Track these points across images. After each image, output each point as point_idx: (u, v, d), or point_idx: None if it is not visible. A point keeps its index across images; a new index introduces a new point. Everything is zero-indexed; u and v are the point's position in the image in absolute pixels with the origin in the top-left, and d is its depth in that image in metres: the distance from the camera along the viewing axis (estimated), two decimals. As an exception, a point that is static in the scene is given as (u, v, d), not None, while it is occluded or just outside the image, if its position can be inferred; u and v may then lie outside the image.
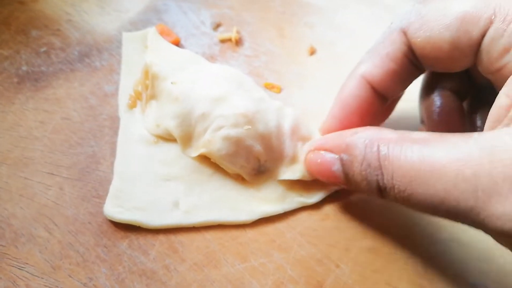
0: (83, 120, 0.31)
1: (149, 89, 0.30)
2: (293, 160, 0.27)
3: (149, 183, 0.28)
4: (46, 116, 0.31)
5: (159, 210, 0.27)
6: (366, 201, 0.28)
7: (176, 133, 0.27)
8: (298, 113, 0.29)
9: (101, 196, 0.27)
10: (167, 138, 0.29)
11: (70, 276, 0.25)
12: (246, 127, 0.26)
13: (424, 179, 0.19)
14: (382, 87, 0.25)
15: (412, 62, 0.25)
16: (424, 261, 0.26)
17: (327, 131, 0.27)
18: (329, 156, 0.24)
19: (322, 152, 0.24)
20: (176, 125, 0.27)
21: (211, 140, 0.27)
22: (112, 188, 0.27)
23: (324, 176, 0.25)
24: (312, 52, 0.35)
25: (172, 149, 0.29)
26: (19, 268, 0.25)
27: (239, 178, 0.28)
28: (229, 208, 0.27)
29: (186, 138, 0.28)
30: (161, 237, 0.26)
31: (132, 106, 0.30)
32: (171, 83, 0.28)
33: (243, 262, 0.25)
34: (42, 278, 0.25)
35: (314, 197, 0.27)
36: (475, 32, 0.22)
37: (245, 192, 0.28)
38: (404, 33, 0.24)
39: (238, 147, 0.26)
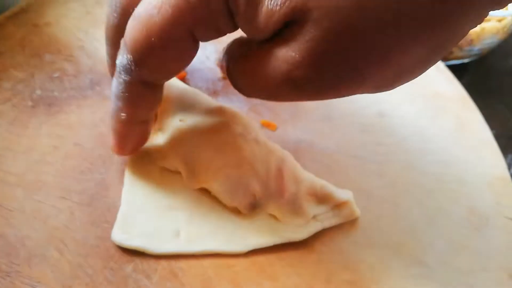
0: (94, 147, 0.33)
1: (156, 122, 0.32)
2: (290, 201, 0.30)
3: (153, 211, 0.30)
4: (59, 141, 0.33)
5: (162, 237, 0.30)
6: (348, 236, 0.32)
7: (181, 168, 0.30)
8: (292, 158, 0.32)
9: (109, 222, 0.30)
10: (173, 170, 0.32)
11: (79, 296, 0.27)
12: (247, 167, 0.29)
13: None
14: None
15: None
16: (396, 294, 0.30)
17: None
18: None
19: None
20: (181, 160, 0.30)
21: (212, 178, 0.30)
22: (120, 215, 0.30)
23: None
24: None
25: (176, 180, 0.31)
26: (32, 286, 0.27)
27: (235, 211, 0.31)
28: (225, 239, 0.30)
29: (190, 172, 0.30)
30: (163, 263, 0.29)
31: None
32: (180, 120, 0.31)
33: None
34: (53, 296, 0.27)
35: (302, 234, 0.30)
36: None
37: (240, 225, 0.30)
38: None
39: (237, 185, 0.30)
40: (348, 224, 0.32)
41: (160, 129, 0.32)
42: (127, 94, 0.26)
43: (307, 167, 0.33)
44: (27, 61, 0.37)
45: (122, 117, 0.27)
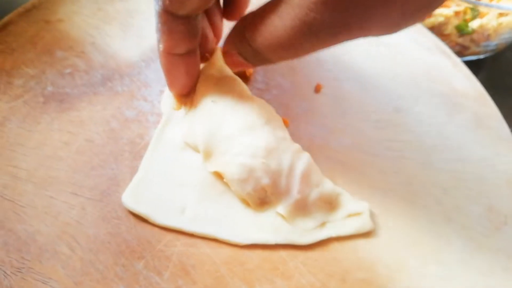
0: (105, 143, 0.33)
1: (193, 99, 0.33)
2: (300, 203, 0.30)
3: (166, 184, 0.31)
4: (70, 137, 0.33)
5: (167, 211, 0.30)
6: (363, 234, 0.31)
7: (201, 146, 0.30)
8: (310, 161, 0.31)
9: (120, 217, 0.30)
10: (194, 148, 0.32)
11: (90, 293, 0.27)
12: (262, 160, 0.29)
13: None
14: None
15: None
16: (413, 294, 0.29)
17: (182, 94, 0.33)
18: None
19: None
20: (203, 139, 0.30)
21: (228, 163, 0.29)
22: (134, 179, 0.31)
23: (238, 64, 0.30)
24: (319, 89, 0.38)
25: (195, 159, 0.31)
26: (43, 283, 0.27)
27: (245, 201, 0.31)
28: (228, 227, 0.30)
29: (208, 153, 0.30)
30: (175, 260, 0.29)
31: (177, 108, 0.33)
32: (212, 101, 0.31)
33: (249, 287, 0.28)
34: (64, 292, 0.27)
35: (307, 238, 0.30)
36: None
37: (246, 217, 0.30)
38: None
39: (249, 175, 0.29)
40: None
41: (193, 106, 0.32)
42: (159, 24, 0.28)
43: (320, 164, 0.32)
44: (38, 58, 0.37)
45: (160, 49, 0.30)
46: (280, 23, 0.25)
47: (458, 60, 0.42)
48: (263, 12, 0.26)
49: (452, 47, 0.47)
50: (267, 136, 0.30)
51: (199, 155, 0.31)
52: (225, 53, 0.31)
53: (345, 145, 0.35)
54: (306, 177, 0.30)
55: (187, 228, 0.29)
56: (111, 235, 0.29)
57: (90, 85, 0.36)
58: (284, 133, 0.31)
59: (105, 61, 0.38)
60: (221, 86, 0.32)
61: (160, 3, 0.27)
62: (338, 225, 0.30)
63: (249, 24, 0.27)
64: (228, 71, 0.33)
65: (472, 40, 0.48)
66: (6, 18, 0.39)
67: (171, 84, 0.32)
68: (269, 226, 0.30)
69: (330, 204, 0.31)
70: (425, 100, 0.39)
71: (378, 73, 0.39)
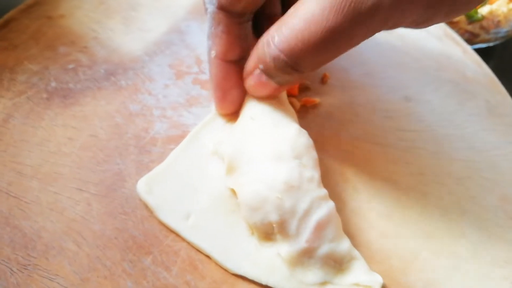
0: (109, 138, 0.33)
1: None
2: (306, 253, 0.27)
3: (182, 184, 0.30)
4: (74, 132, 0.33)
5: (173, 210, 0.29)
6: (376, 227, 0.30)
7: (226, 159, 0.29)
8: (332, 212, 0.28)
9: (127, 213, 0.29)
10: (221, 158, 0.30)
11: (97, 289, 0.27)
12: (277, 195, 0.27)
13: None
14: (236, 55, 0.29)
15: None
16: None
17: (230, 113, 0.31)
18: (256, 73, 0.28)
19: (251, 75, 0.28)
20: (229, 153, 0.29)
21: (244, 185, 0.28)
22: (155, 169, 0.30)
23: (261, 86, 0.28)
24: (326, 79, 0.37)
25: (219, 169, 0.30)
26: (50, 280, 0.27)
27: (251, 228, 0.29)
28: (223, 249, 0.28)
29: (231, 168, 0.29)
30: (183, 254, 0.28)
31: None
32: (250, 117, 0.30)
33: (260, 283, 0.27)
34: (71, 289, 0.26)
35: None
36: None
37: (247, 245, 0.28)
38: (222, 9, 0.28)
39: (260, 206, 0.27)
40: (375, 214, 0.31)
41: (232, 119, 0.31)
42: (213, 27, 0.28)
43: (330, 155, 0.32)
44: (41, 54, 0.37)
45: (212, 55, 0.29)
46: (311, 14, 0.23)
47: (468, 47, 0.41)
48: (288, 17, 0.25)
49: (461, 35, 0.47)
50: (291, 171, 0.27)
51: (222, 165, 0.30)
52: (247, 74, 0.29)
53: (355, 135, 0.34)
54: (321, 227, 0.27)
55: (185, 235, 0.28)
56: (118, 231, 0.29)
57: (94, 80, 0.36)
58: (313, 174, 0.28)
59: (108, 55, 0.37)
60: (266, 103, 0.30)
61: (214, 1, 0.27)
62: None
63: (275, 30, 0.25)
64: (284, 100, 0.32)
65: (482, 27, 0.47)
66: (8, 15, 0.39)
67: (221, 98, 0.31)
68: (266, 264, 0.28)
69: (340, 265, 0.27)
70: (436, 89, 0.38)
71: (386, 62, 0.38)
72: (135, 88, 0.35)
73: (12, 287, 0.27)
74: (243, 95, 0.31)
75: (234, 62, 0.30)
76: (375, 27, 0.24)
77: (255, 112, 0.30)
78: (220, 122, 0.32)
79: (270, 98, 0.30)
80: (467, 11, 0.25)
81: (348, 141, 0.34)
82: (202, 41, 0.38)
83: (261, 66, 0.27)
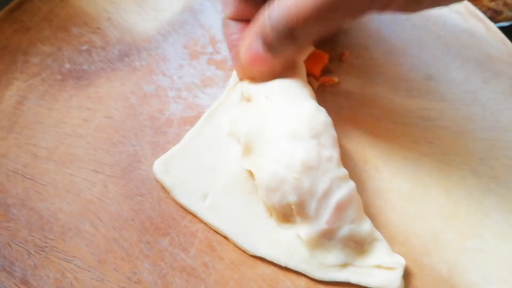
0: (124, 119, 0.32)
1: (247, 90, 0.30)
2: (326, 234, 0.26)
3: (199, 165, 0.29)
4: (89, 114, 0.32)
5: (190, 191, 0.28)
6: (397, 207, 0.29)
7: (242, 140, 0.28)
8: (353, 192, 0.27)
9: (143, 194, 0.29)
10: (237, 139, 0.30)
11: (115, 270, 0.26)
12: (295, 175, 0.26)
13: None
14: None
15: None
16: None
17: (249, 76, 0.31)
18: (254, 46, 0.28)
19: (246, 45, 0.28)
20: (245, 133, 0.28)
21: (262, 166, 0.27)
22: (172, 150, 0.30)
23: (258, 60, 0.28)
24: (345, 57, 0.36)
25: (235, 150, 0.29)
26: (67, 261, 0.27)
27: (269, 210, 0.28)
28: (241, 231, 0.27)
29: (247, 149, 0.28)
30: (200, 236, 0.28)
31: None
32: (265, 96, 0.29)
33: (279, 265, 0.27)
34: (89, 271, 0.26)
35: (320, 274, 0.27)
36: None
37: (265, 227, 0.28)
38: None
39: (278, 186, 0.26)
40: (397, 195, 0.30)
41: (248, 99, 0.30)
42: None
43: (348, 136, 0.31)
44: (54, 35, 0.36)
45: (223, 16, 0.31)
46: None
47: (491, 24, 0.40)
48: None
49: (483, 12, 0.45)
50: (309, 150, 0.26)
51: (238, 146, 0.29)
52: (246, 48, 0.28)
53: (375, 115, 0.33)
54: (341, 208, 0.26)
55: (202, 216, 0.28)
56: (135, 212, 0.28)
57: (108, 61, 0.35)
58: (332, 153, 0.27)
59: (122, 36, 0.36)
60: (283, 81, 0.29)
61: None
62: (362, 272, 0.27)
63: (275, 3, 0.26)
64: (301, 65, 0.31)
65: (506, 4, 0.45)
66: (20, -3, 0.39)
67: (237, 58, 0.30)
68: (285, 246, 0.27)
69: (361, 246, 0.27)
70: (458, 67, 0.36)
71: (407, 40, 0.37)
72: (149, 69, 0.35)
73: (30, 268, 0.27)
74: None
75: (246, 21, 0.30)
76: (362, 6, 0.24)
77: (270, 90, 0.29)
78: (235, 101, 0.31)
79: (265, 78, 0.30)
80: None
81: (368, 120, 0.33)
82: (217, 21, 0.37)
83: (260, 39, 0.27)
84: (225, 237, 0.28)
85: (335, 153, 0.27)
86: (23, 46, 0.36)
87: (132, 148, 0.31)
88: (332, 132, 0.28)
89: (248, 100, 0.30)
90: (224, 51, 0.36)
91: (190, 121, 0.32)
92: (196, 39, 0.36)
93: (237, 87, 0.32)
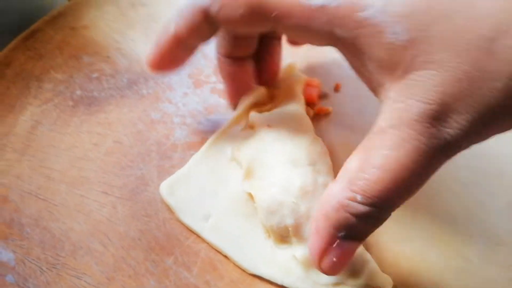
0: (132, 144, 0.34)
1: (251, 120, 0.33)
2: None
3: (201, 187, 0.31)
4: (99, 139, 0.34)
5: (193, 211, 0.31)
6: (385, 230, 0.31)
7: (244, 165, 0.30)
8: None
9: (150, 215, 0.31)
10: (239, 163, 0.32)
11: (123, 287, 0.28)
12: (293, 199, 0.28)
13: None
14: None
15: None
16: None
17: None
18: (335, 246, 0.24)
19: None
20: (247, 158, 0.30)
21: (262, 189, 0.29)
22: (177, 173, 0.32)
23: (345, 255, 0.24)
24: (338, 88, 0.38)
25: (237, 174, 0.32)
26: (77, 278, 0.28)
27: (267, 232, 0.30)
28: (242, 251, 0.29)
29: (248, 172, 0.30)
30: (203, 255, 0.30)
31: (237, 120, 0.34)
32: (268, 125, 0.31)
33: (276, 284, 0.29)
34: None
35: None
36: None
37: (263, 247, 0.30)
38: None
39: (276, 210, 0.28)
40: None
41: (251, 127, 0.33)
42: (183, 12, 0.28)
43: (342, 162, 0.33)
44: (66, 63, 0.39)
45: (170, 32, 0.29)
46: (395, 162, 0.22)
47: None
48: (363, 170, 0.23)
49: None
50: (306, 177, 0.29)
51: (240, 170, 0.32)
52: (321, 254, 0.24)
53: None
54: None
55: (205, 236, 0.30)
56: (141, 232, 0.30)
57: (117, 88, 0.37)
58: (327, 180, 0.30)
59: (130, 65, 0.39)
60: (284, 111, 0.32)
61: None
62: None
63: (350, 189, 0.23)
64: (300, 95, 0.34)
65: None
66: (34, 26, 0.41)
67: (158, 62, 0.31)
68: (282, 265, 0.29)
69: (352, 266, 0.28)
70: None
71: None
72: (156, 97, 0.37)
73: (43, 285, 0.28)
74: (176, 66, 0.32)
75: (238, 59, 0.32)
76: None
77: (273, 119, 0.31)
78: (238, 129, 0.34)
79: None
80: None
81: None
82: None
83: (341, 233, 0.23)
84: (226, 257, 0.30)
85: (329, 180, 0.30)
86: (36, 73, 0.38)
87: (140, 171, 0.33)
88: (327, 160, 0.31)
89: (252, 127, 0.33)
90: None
91: (194, 146, 0.34)
92: (200, 69, 0.39)
93: (242, 118, 0.34)
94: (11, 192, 0.32)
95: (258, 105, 0.34)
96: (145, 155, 0.34)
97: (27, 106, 0.36)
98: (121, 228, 0.30)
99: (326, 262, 0.24)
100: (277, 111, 0.32)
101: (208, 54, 0.40)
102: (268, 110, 0.33)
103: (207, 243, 0.30)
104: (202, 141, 0.34)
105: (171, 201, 0.31)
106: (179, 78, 0.38)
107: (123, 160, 0.33)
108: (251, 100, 0.34)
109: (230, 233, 0.30)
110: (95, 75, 0.38)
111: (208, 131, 0.35)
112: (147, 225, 0.30)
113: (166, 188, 0.31)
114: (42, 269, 0.29)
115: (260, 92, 0.34)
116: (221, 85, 0.38)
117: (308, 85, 0.37)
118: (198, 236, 0.30)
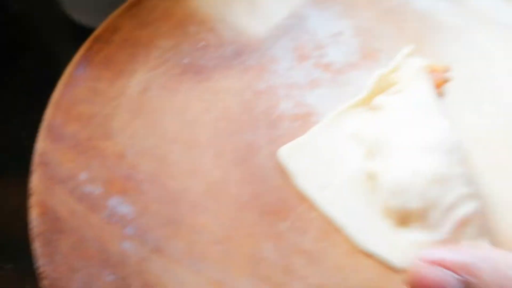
0: (241, 112, 0.35)
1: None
2: (443, 244, 0.27)
3: (319, 157, 0.32)
4: (208, 105, 0.35)
5: (310, 179, 0.31)
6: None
7: (367, 143, 0.31)
8: (477, 211, 0.28)
9: (262, 180, 0.31)
10: (361, 141, 0.32)
11: (240, 246, 0.29)
12: (424, 183, 0.27)
13: None
14: None
15: None
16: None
17: None
18: (448, 275, 0.22)
19: (439, 268, 0.22)
20: (372, 138, 0.31)
21: (386, 170, 0.29)
22: (297, 140, 0.32)
23: None
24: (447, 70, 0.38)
25: (355, 151, 0.32)
26: (196, 233, 0.29)
27: (385, 212, 0.29)
28: (357, 226, 0.29)
29: (372, 152, 0.30)
30: (316, 223, 0.30)
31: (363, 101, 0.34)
32: (398, 107, 0.31)
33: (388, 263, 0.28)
34: (216, 244, 0.29)
35: None
36: None
37: (381, 226, 0.29)
38: None
39: (403, 191, 0.28)
40: None
41: (376, 108, 0.33)
42: None
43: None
44: (171, 32, 0.40)
45: None
46: None
47: None
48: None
49: None
50: (441, 164, 0.28)
51: (362, 149, 0.31)
52: None
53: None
54: (463, 224, 0.27)
55: (321, 205, 0.30)
56: (255, 196, 0.31)
57: (223, 58, 0.38)
58: (462, 171, 0.29)
59: (235, 37, 0.39)
60: (415, 92, 0.32)
61: None
62: None
63: None
64: (428, 82, 0.33)
65: None
66: (139, -6, 0.42)
67: None
68: (398, 246, 0.28)
69: None
70: None
71: (508, 55, 0.38)
72: (261, 68, 0.37)
73: (162, 239, 0.29)
74: None
75: None
76: None
77: (403, 101, 0.31)
78: (362, 108, 0.34)
79: None
80: None
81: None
82: (321, 27, 0.40)
83: None
84: (338, 229, 0.29)
85: (465, 170, 0.29)
86: (143, 40, 0.39)
87: (249, 138, 0.33)
88: (463, 150, 0.30)
89: (376, 109, 0.33)
90: (330, 56, 0.38)
91: (300, 117, 0.34)
92: (303, 44, 0.39)
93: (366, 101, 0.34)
94: (127, 150, 0.33)
95: (382, 89, 0.34)
96: (253, 123, 0.34)
97: (136, 71, 0.37)
98: (234, 191, 0.31)
99: None
100: (407, 92, 0.32)
101: (310, 29, 0.40)
102: (393, 94, 0.33)
103: (319, 212, 0.30)
104: (308, 113, 0.34)
105: (290, 165, 0.31)
106: (283, 52, 0.38)
107: (232, 127, 0.34)
108: (377, 84, 0.34)
109: (346, 207, 0.30)
110: (201, 44, 0.39)
111: (313, 104, 0.35)
112: (260, 189, 0.31)
113: (286, 153, 0.31)
114: (161, 222, 0.30)
115: (385, 76, 0.34)
116: (324, 60, 0.38)
117: (433, 70, 0.36)
118: (310, 204, 0.30)
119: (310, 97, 0.36)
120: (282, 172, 0.32)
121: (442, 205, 0.27)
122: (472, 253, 0.22)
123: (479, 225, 0.28)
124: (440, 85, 0.36)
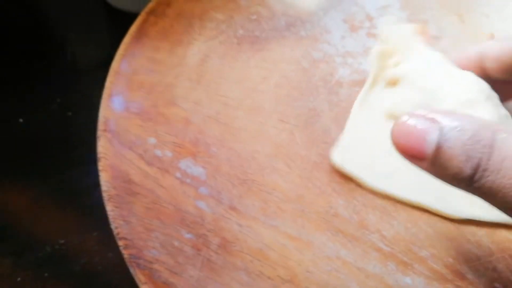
0: (299, 79, 0.36)
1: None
2: None
3: (372, 149, 0.31)
4: (267, 73, 0.36)
5: (377, 174, 0.30)
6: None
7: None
8: None
9: (328, 142, 0.32)
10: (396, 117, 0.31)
11: (312, 203, 0.30)
12: None
13: None
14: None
15: None
16: None
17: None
18: (428, 124, 0.20)
19: (421, 118, 0.21)
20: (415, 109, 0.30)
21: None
22: (342, 140, 0.31)
23: (409, 146, 0.21)
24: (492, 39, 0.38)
25: None
26: (268, 193, 0.30)
27: None
28: (441, 199, 0.29)
29: None
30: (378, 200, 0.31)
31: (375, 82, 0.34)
32: (419, 75, 0.31)
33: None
34: (289, 202, 0.30)
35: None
36: None
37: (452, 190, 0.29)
38: None
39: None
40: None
41: (392, 83, 0.32)
42: None
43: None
44: (224, 5, 0.40)
45: None
46: None
47: None
48: None
49: None
50: (489, 112, 0.28)
51: None
52: None
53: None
54: None
55: (398, 194, 0.29)
56: (321, 157, 0.32)
57: (276, 29, 0.39)
58: (505, 111, 0.28)
59: (285, 9, 0.40)
60: (420, 54, 0.31)
61: None
62: None
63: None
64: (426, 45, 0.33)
65: None
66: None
67: None
68: (480, 203, 0.28)
69: None
70: None
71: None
72: (315, 38, 0.38)
73: (235, 197, 0.30)
74: None
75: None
76: None
77: (418, 66, 0.31)
78: (381, 85, 0.33)
79: None
80: None
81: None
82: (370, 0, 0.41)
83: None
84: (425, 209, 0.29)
85: (506, 111, 0.29)
86: (197, 13, 0.40)
87: (311, 103, 0.34)
88: (494, 92, 0.29)
89: (395, 82, 0.32)
90: (381, 27, 0.39)
91: (358, 83, 0.35)
92: (353, 15, 0.40)
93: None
94: (192, 116, 0.34)
95: (384, 63, 0.33)
96: (313, 90, 0.35)
97: (193, 41, 0.38)
98: (302, 152, 0.32)
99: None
100: (415, 60, 0.31)
101: (359, 1, 0.41)
102: (396, 65, 0.32)
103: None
104: (365, 79, 0.35)
105: (348, 169, 0.30)
106: (334, 23, 0.39)
107: (293, 93, 0.35)
108: (378, 59, 0.33)
109: (421, 185, 0.29)
110: (253, 16, 0.40)
111: (370, 71, 0.36)
112: (326, 151, 0.32)
113: (339, 158, 0.31)
114: (233, 183, 0.30)
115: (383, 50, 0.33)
116: (375, 30, 0.39)
117: (422, 32, 0.36)
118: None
119: (366, 65, 0.37)
120: (346, 135, 0.32)
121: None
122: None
123: None
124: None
